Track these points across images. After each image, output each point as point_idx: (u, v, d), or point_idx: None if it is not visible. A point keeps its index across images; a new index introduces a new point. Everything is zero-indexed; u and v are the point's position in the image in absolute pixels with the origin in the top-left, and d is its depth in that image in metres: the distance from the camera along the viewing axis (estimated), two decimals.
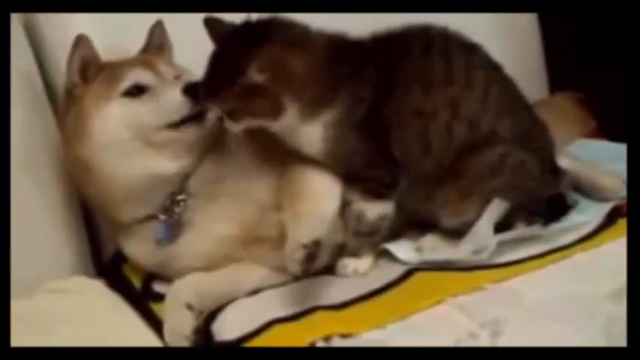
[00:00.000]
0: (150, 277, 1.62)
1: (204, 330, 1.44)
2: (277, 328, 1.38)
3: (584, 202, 1.63)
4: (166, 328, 1.43)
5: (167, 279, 1.57)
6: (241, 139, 1.52)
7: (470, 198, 1.51)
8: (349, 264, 1.54)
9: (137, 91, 1.52)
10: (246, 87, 1.40)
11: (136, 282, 1.62)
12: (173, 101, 1.48)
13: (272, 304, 1.46)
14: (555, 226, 1.55)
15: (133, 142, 1.49)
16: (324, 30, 1.50)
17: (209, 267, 1.56)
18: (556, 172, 1.61)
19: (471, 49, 1.54)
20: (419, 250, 1.55)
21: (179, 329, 1.41)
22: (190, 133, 1.50)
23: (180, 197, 1.53)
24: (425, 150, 1.49)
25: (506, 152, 1.50)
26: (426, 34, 1.53)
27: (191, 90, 1.48)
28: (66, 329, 1.38)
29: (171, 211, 1.53)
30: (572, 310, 1.31)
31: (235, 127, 1.45)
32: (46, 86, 1.69)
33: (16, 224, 1.46)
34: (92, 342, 1.33)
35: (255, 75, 1.40)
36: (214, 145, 1.55)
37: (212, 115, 1.49)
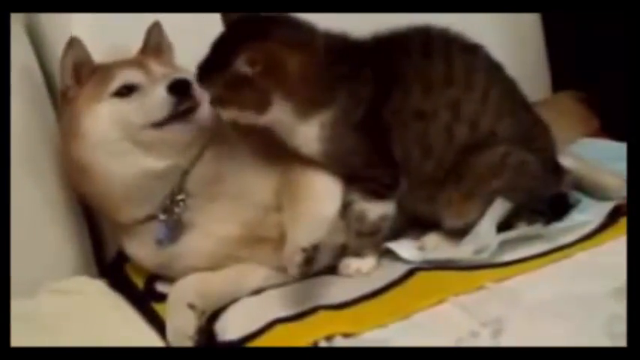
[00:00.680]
0: (152, 277, 1.62)
1: (206, 330, 1.44)
2: (279, 328, 1.38)
3: (585, 202, 1.63)
4: (169, 328, 1.43)
5: (169, 279, 1.57)
6: (241, 138, 1.52)
7: (472, 199, 1.51)
8: (351, 264, 1.54)
9: (127, 90, 1.52)
10: (234, 77, 1.42)
11: (139, 282, 1.62)
12: (156, 99, 1.47)
13: (274, 304, 1.46)
14: (557, 226, 1.55)
15: (122, 141, 1.49)
16: (328, 30, 1.50)
17: (211, 267, 1.56)
18: (558, 171, 1.61)
19: (471, 50, 1.54)
20: (421, 248, 1.56)
21: (182, 329, 1.41)
22: (176, 132, 1.48)
23: (179, 197, 1.53)
24: (425, 151, 1.49)
25: (508, 152, 1.50)
26: (426, 35, 1.53)
27: (176, 87, 1.47)
28: (68, 329, 1.38)
29: (171, 211, 1.53)
30: (574, 309, 1.31)
31: (223, 115, 1.46)
32: (47, 85, 1.69)
33: (18, 224, 1.46)
34: (94, 342, 1.33)
35: (243, 67, 1.41)
36: (213, 144, 1.54)
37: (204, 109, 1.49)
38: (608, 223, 1.55)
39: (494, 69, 1.55)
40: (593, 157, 1.76)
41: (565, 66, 2.13)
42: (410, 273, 1.48)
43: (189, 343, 1.40)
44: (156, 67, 1.57)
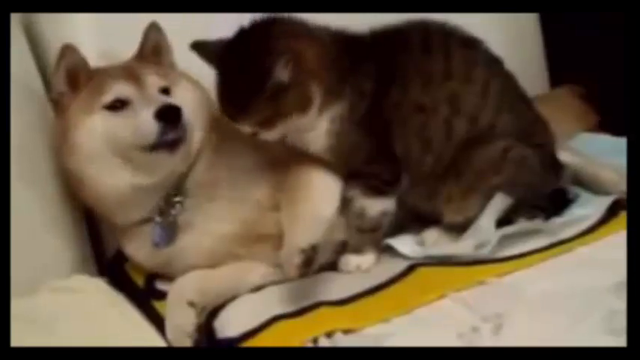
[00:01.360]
0: (152, 275, 1.61)
1: (206, 327, 1.44)
2: (279, 325, 1.38)
3: (584, 196, 1.63)
4: (168, 326, 1.43)
5: (169, 277, 1.56)
6: (237, 137, 1.51)
7: (472, 194, 1.51)
8: (352, 260, 1.54)
9: (120, 104, 1.50)
10: (275, 88, 1.39)
11: (139, 280, 1.62)
12: (144, 124, 1.46)
13: (274, 301, 1.46)
14: (557, 220, 1.56)
15: (112, 157, 1.49)
16: (326, 26, 1.50)
17: (210, 265, 1.56)
18: (557, 166, 1.61)
19: (471, 44, 1.54)
20: (421, 244, 1.56)
21: (181, 326, 1.41)
22: (163, 158, 1.48)
23: (176, 199, 1.53)
24: (425, 146, 1.49)
25: (508, 147, 1.50)
26: (425, 29, 1.53)
27: (165, 114, 1.45)
28: (68, 328, 1.37)
29: (167, 212, 1.54)
30: (574, 304, 1.31)
31: (271, 135, 1.44)
32: (45, 85, 1.69)
33: (17, 223, 1.46)
34: (94, 340, 1.32)
35: (282, 72, 1.38)
36: (210, 146, 1.55)
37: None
38: (608, 217, 1.55)
39: (494, 63, 1.55)
40: (592, 151, 1.76)
41: (563, 61, 2.14)
42: (410, 269, 1.48)
43: (188, 341, 1.40)
44: (150, 79, 1.54)
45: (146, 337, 1.39)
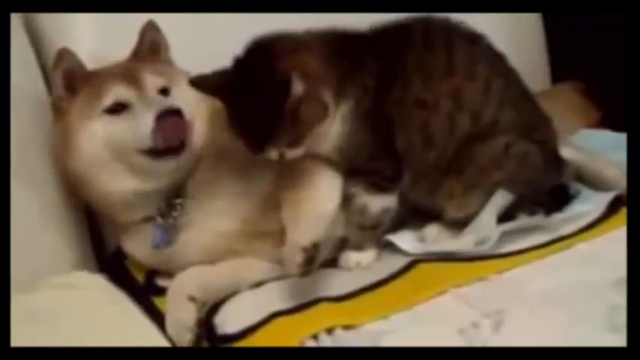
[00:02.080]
0: (153, 271, 1.61)
1: (206, 323, 1.44)
2: (279, 321, 1.38)
3: (585, 192, 1.63)
4: (169, 320, 1.43)
5: (170, 274, 1.56)
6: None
7: (474, 191, 1.51)
8: (352, 257, 1.54)
9: (119, 107, 1.50)
10: (294, 106, 1.38)
11: (139, 276, 1.62)
12: (144, 128, 1.45)
13: (275, 297, 1.46)
14: (558, 216, 1.55)
15: (113, 161, 1.49)
16: (311, 29, 1.49)
17: (211, 262, 1.55)
18: (558, 162, 1.61)
19: (473, 39, 1.54)
20: (422, 239, 1.56)
21: (182, 321, 1.41)
22: (165, 162, 1.48)
23: (177, 201, 1.54)
24: (427, 141, 1.49)
25: (510, 143, 1.50)
26: (427, 24, 1.53)
27: (164, 117, 1.44)
28: (68, 324, 1.37)
29: (167, 214, 1.54)
30: (575, 300, 1.31)
31: (297, 153, 1.44)
32: (46, 85, 1.69)
33: (17, 219, 1.46)
34: (94, 337, 1.33)
35: (297, 88, 1.38)
36: (211, 146, 1.54)
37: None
38: (609, 213, 1.54)
39: (497, 59, 1.55)
40: (593, 147, 1.76)
41: (564, 57, 2.13)
42: (411, 265, 1.47)
43: (189, 336, 1.39)
44: (149, 80, 1.53)
45: (146, 333, 1.39)
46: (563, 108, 1.83)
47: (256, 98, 1.39)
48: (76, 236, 1.65)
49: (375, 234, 1.54)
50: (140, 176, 1.50)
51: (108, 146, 1.49)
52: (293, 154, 1.44)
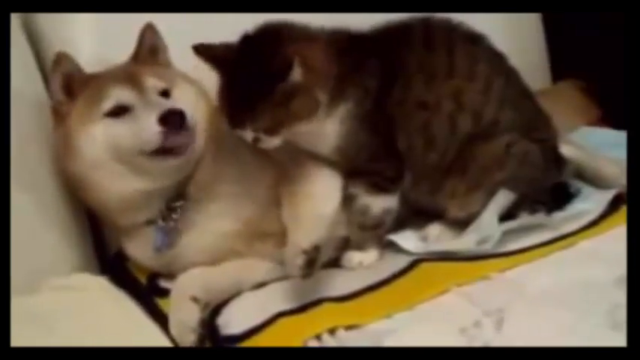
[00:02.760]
0: (155, 272, 1.61)
1: (209, 324, 1.43)
2: (283, 322, 1.38)
3: (586, 190, 1.64)
4: (172, 321, 1.43)
5: (172, 275, 1.56)
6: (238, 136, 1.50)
7: (476, 190, 1.51)
8: (354, 257, 1.54)
9: (120, 110, 1.50)
10: (286, 91, 1.38)
11: (141, 278, 1.62)
12: (147, 130, 1.45)
13: (277, 297, 1.46)
14: (559, 215, 1.56)
15: (115, 163, 1.49)
16: (322, 27, 1.50)
17: (213, 263, 1.55)
18: (559, 161, 1.61)
19: (474, 39, 1.54)
20: (424, 239, 1.56)
21: (185, 322, 1.41)
22: (167, 162, 1.48)
23: (177, 204, 1.53)
24: (429, 142, 1.49)
25: (511, 143, 1.50)
26: (427, 25, 1.53)
27: (167, 118, 1.44)
28: (70, 326, 1.37)
29: (168, 216, 1.54)
30: (577, 298, 1.32)
31: (273, 142, 1.43)
32: (44, 82, 1.69)
33: (18, 221, 1.46)
34: (96, 338, 1.32)
35: (297, 74, 1.38)
36: (211, 147, 1.54)
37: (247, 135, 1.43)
38: (610, 211, 1.55)
39: (497, 59, 1.55)
40: (593, 145, 1.76)
41: (564, 55, 2.13)
42: (413, 264, 1.48)
43: (192, 336, 1.39)
44: (149, 81, 1.53)
45: (149, 334, 1.39)
46: (563, 106, 1.83)
47: (253, 74, 1.40)
48: (77, 238, 1.65)
49: (376, 234, 1.54)
50: (141, 177, 1.50)
51: (109, 149, 1.49)
52: (268, 142, 1.43)
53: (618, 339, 1.19)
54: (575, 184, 1.65)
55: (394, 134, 1.49)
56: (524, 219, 1.53)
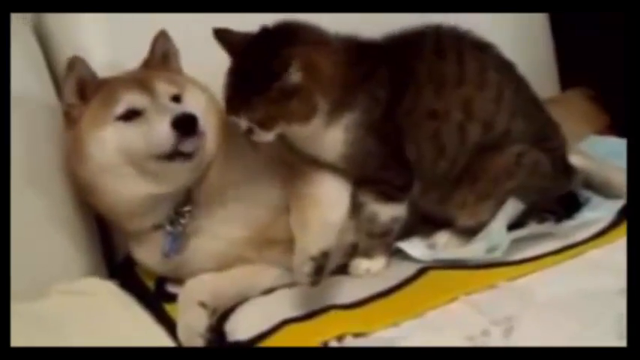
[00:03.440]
0: (163, 278, 1.62)
1: (217, 330, 1.44)
2: (290, 328, 1.38)
3: (595, 199, 1.63)
4: (180, 326, 1.43)
5: (180, 280, 1.56)
6: (247, 142, 1.50)
7: (487, 200, 1.51)
8: (362, 264, 1.54)
9: (132, 114, 1.50)
10: (284, 90, 1.39)
11: (149, 283, 1.62)
12: (160, 134, 1.45)
13: (285, 304, 1.46)
14: (568, 224, 1.55)
15: (126, 166, 1.49)
16: (337, 32, 1.50)
17: (221, 269, 1.56)
18: (568, 170, 1.61)
19: (483, 48, 1.54)
20: (432, 246, 1.56)
21: (193, 327, 1.41)
22: (179, 166, 1.47)
23: (186, 209, 1.54)
24: (439, 151, 1.49)
25: (522, 152, 1.50)
26: (437, 34, 1.53)
27: (180, 123, 1.44)
28: (79, 330, 1.38)
29: (176, 222, 1.54)
30: (585, 307, 1.31)
31: (266, 137, 1.43)
32: (55, 86, 1.69)
33: (27, 226, 1.46)
34: (105, 342, 1.33)
35: (295, 75, 1.38)
36: (220, 153, 1.55)
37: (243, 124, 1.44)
38: (619, 220, 1.54)
39: (506, 68, 1.55)
40: (602, 154, 1.76)
41: (573, 64, 2.13)
42: (421, 272, 1.48)
43: (199, 341, 1.39)
44: (161, 87, 1.54)
45: (157, 339, 1.39)
46: (572, 115, 1.83)
47: (255, 66, 1.41)
48: (86, 243, 1.65)
49: (384, 242, 1.54)
50: (151, 181, 1.50)
51: (120, 152, 1.49)
52: (261, 136, 1.43)
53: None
54: (584, 193, 1.65)
55: (403, 143, 1.49)
56: (533, 228, 1.53)
